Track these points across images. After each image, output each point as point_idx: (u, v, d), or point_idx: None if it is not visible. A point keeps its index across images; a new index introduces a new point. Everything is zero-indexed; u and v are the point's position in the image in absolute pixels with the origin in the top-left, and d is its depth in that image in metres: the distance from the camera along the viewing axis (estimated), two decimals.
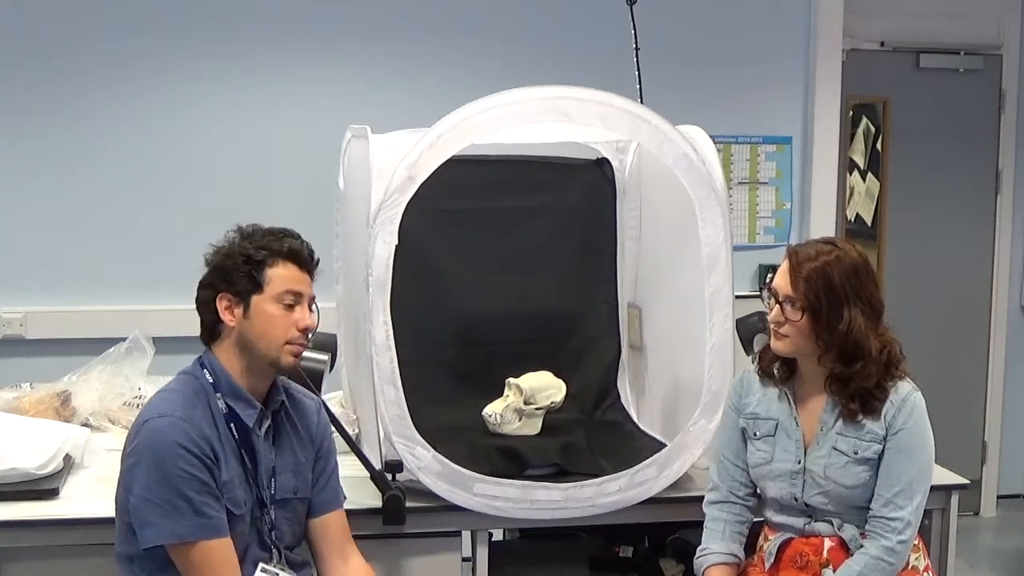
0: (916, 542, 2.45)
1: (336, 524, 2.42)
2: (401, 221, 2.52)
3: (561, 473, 2.74)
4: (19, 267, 4.18)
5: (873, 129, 4.96)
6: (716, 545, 2.52)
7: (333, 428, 2.52)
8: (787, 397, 2.49)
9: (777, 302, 2.41)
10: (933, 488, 2.49)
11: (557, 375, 3.04)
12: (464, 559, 2.68)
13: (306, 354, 2.38)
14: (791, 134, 4.72)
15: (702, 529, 2.57)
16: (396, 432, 2.54)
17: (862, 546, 2.38)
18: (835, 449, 2.40)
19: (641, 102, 2.96)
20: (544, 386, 2.99)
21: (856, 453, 2.38)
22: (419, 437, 2.56)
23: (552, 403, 2.98)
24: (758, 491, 2.56)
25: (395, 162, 2.54)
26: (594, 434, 3.02)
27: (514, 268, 3.32)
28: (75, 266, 4.21)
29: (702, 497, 2.60)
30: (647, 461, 2.67)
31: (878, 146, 4.96)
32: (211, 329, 2.29)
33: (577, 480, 2.66)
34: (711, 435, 2.67)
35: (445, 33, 4.39)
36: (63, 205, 4.20)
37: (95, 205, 4.21)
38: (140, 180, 4.23)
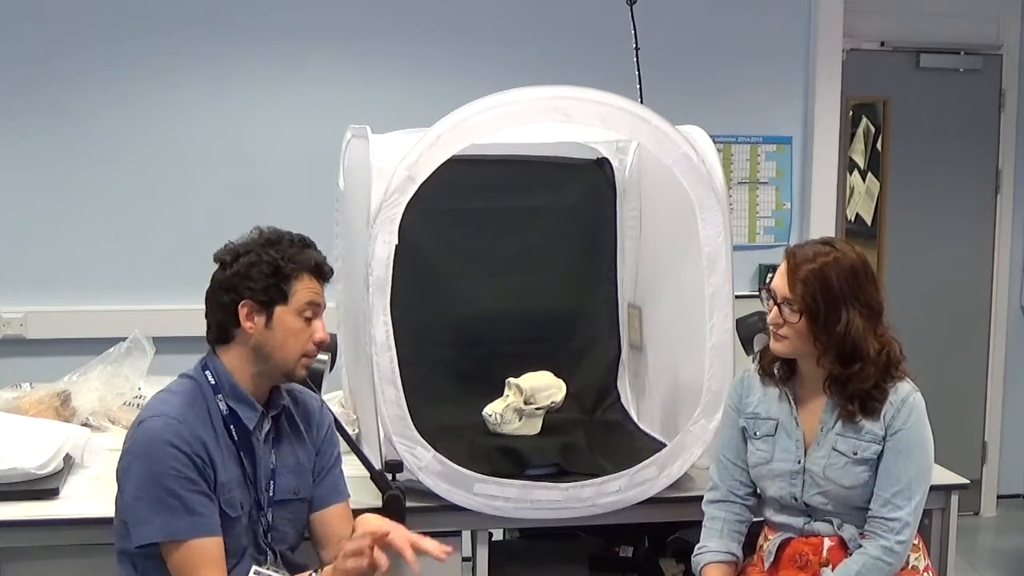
0: (916, 542, 2.45)
1: (337, 517, 2.41)
2: (401, 221, 2.52)
3: (561, 473, 2.74)
4: (19, 267, 4.18)
5: (873, 129, 4.96)
6: (714, 543, 2.52)
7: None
8: (787, 397, 2.49)
9: (775, 304, 2.41)
10: (933, 488, 2.49)
11: (557, 375, 3.04)
12: (464, 559, 2.68)
13: None
14: (791, 134, 4.72)
15: (702, 529, 2.57)
16: (396, 432, 2.54)
17: (861, 546, 2.38)
18: (835, 449, 2.40)
19: (641, 102, 2.96)
20: (544, 386, 2.99)
21: (855, 453, 2.38)
22: (419, 437, 2.56)
23: (552, 403, 2.98)
24: (758, 491, 2.56)
25: (395, 162, 2.54)
26: (594, 434, 3.02)
27: (514, 268, 3.32)
28: (75, 266, 4.21)
29: (702, 497, 2.60)
30: (647, 461, 2.67)
31: (878, 146, 4.96)
32: (223, 331, 2.27)
33: (577, 480, 2.66)
34: (711, 435, 2.67)
35: (445, 33, 4.39)
36: (63, 205, 4.20)
37: (95, 205, 4.21)
38: (140, 180, 4.23)
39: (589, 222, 3.36)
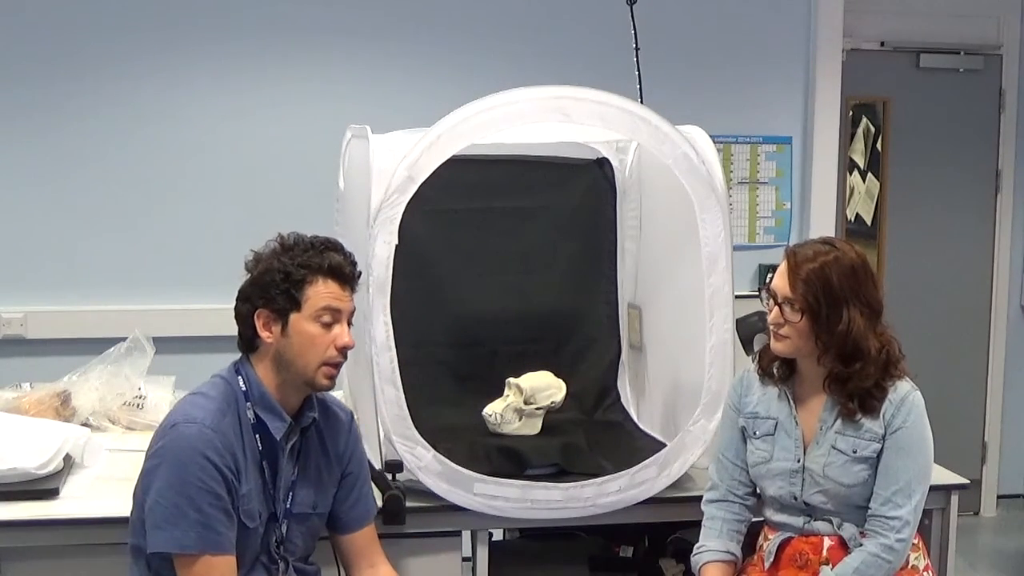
0: (916, 541, 2.45)
1: (366, 538, 2.42)
2: (401, 221, 2.52)
3: (561, 473, 2.74)
4: (19, 267, 4.18)
5: (873, 129, 4.96)
6: (713, 543, 2.52)
7: None
8: (787, 396, 2.49)
9: (776, 303, 2.41)
10: (933, 488, 2.49)
11: (557, 375, 3.04)
12: (464, 559, 2.68)
13: None
14: (791, 134, 4.72)
15: (701, 528, 2.56)
16: (396, 432, 2.54)
17: (861, 544, 2.38)
18: (834, 448, 2.40)
19: (641, 102, 2.96)
20: (544, 386, 2.99)
21: (855, 452, 2.39)
22: (419, 437, 2.56)
23: (552, 403, 2.98)
24: (757, 491, 2.56)
25: (395, 162, 2.54)
26: (594, 434, 3.02)
27: (514, 268, 3.32)
28: (75, 266, 4.21)
29: (702, 497, 2.60)
30: (647, 461, 2.67)
31: (878, 146, 4.96)
32: (249, 342, 2.26)
33: (577, 480, 2.66)
34: (711, 435, 2.67)
35: (445, 33, 4.39)
36: (63, 205, 4.20)
37: (95, 205, 4.21)
38: (140, 180, 4.23)
39: (589, 222, 3.36)
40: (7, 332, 4.16)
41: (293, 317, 2.21)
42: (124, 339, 3.28)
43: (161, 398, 3.17)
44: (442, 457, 2.57)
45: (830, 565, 2.40)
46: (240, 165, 4.28)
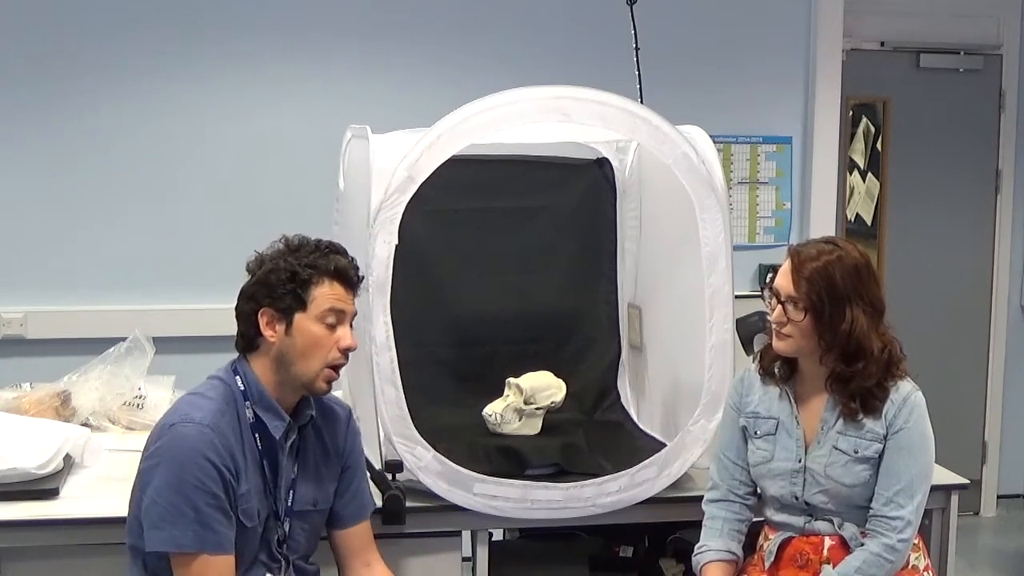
0: (916, 541, 2.45)
1: (362, 536, 2.42)
2: (401, 221, 2.52)
3: (561, 473, 2.74)
4: (19, 267, 4.19)
5: (873, 129, 4.96)
6: (714, 543, 2.52)
7: None
8: (788, 396, 2.49)
9: (779, 302, 2.41)
10: (933, 488, 2.49)
11: (557, 375, 3.04)
12: (464, 559, 2.68)
13: None
14: (791, 134, 4.73)
15: (702, 528, 2.56)
16: (396, 432, 2.54)
17: (863, 544, 2.38)
18: (835, 448, 2.40)
19: (641, 102, 2.96)
20: (544, 386, 2.99)
21: (856, 452, 2.39)
22: (419, 437, 2.56)
23: (552, 403, 2.98)
24: (758, 490, 2.56)
25: (395, 162, 2.54)
26: (594, 434, 3.02)
27: (514, 268, 3.32)
28: (75, 266, 4.21)
29: (702, 497, 2.60)
30: (647, 461, 2.67)
31: (878, 146, 4.96)
32: (250, 341, 2.26)
33: (577, 480, 2.66)
34: (711, 435, 2.67)
35: (445, 33, 4.39)
36: (63, 205, 4.20)
37: (95, 205, 4.21)
38: (140, 180, 4.23)
39: (589, 222, 3.36)
40: (7, 332, 4.16)
41: (298, 317, 2.22)
42: (124, 339, 3.28)
43: (161, 398, 3.17)
44: (442, 457, 2.57)
45: (831, 565, 2.40)
46: (240, 165, 4.28)
